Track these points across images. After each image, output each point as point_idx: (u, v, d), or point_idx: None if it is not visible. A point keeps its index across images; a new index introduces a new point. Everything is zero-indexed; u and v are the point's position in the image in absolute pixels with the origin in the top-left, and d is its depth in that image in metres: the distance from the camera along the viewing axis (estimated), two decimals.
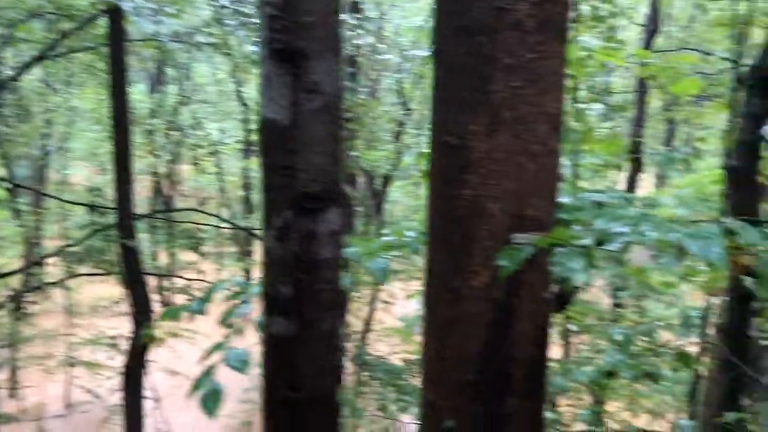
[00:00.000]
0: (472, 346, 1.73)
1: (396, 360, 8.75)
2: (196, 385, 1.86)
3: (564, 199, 1.79)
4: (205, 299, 2.21)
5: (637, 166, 3.38)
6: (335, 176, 1.43)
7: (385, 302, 10.52)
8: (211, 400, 1.79)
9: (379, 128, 10.94)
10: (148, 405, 8.65)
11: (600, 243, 1.60)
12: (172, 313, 2.42)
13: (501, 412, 1.74)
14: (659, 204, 1.47)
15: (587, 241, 1.61)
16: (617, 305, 8.86)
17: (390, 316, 11.51)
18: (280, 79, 1.34)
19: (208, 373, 1.88)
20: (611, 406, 7.68)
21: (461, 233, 1.73)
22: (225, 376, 1.88)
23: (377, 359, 8.46)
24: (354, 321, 10.28)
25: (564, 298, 1.61)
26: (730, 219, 1.35)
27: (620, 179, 10.92)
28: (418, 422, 1.97)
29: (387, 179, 12.21)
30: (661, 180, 13.38)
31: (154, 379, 10.28)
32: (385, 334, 10.85)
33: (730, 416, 3.00)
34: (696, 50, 8.02)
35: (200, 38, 7.80)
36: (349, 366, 9.53)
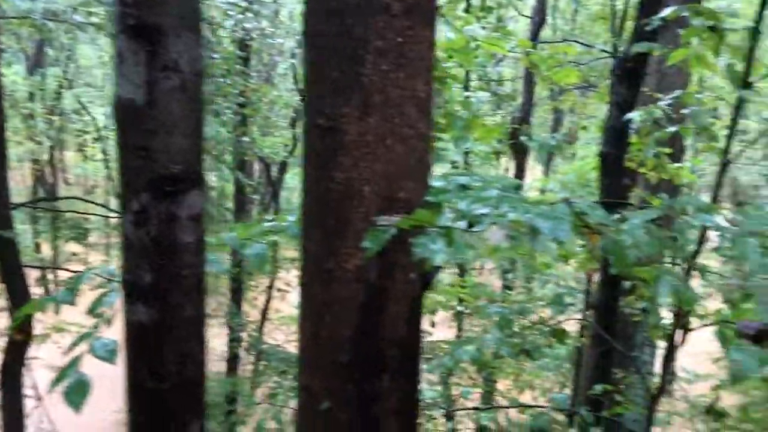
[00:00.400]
0: (345, 327, 1.74)
1: (292, 348, 8.71)
2: (60, 377, 1.78)
3: (436, 182, 1.82)
4: (72, 289, 2.10)
5: (519, 153, 3.51)
6: (195, 158, 1.40)
7: (281, 290, 10.44)
8: (75, 392, 1.71)
9: (274, 114, 10.79)
10: (29, 403, 8.18)
11: (471, 225, 1.65)
12: (39, 304, 2.30)
13: (374, 392, 1.76)
14: (519, 186, 1.53)
15: (461, 224, 1.65)
16: (507, 287, 9.19)
17: (286, 304, 11.43)
18: (134, 57, 1.29)
19: (72, 364, 1.80)
20: (502, 385, 7.99)
21: (335, 216, 1.73)
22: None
23: (273, 347, 8.39)
24: (250, 310, 10.14)
25: (426, 279, 1.65)
26: (579, 199, 1.42)
27: (511, 166, 11.32)
28: (296, 407, 1.96)
29: (283, 166, 12.07)
30: (548, 167, 13.99)
31: (36, 377, 9.73)
32: (282, 323, 10.76)
33: (597, 388, 3.19)
34: (578, 42, 8.39)
35: (80, 18, 7.38)
36: (244, 355, 9.40)
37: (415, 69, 1.70)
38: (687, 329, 2.59)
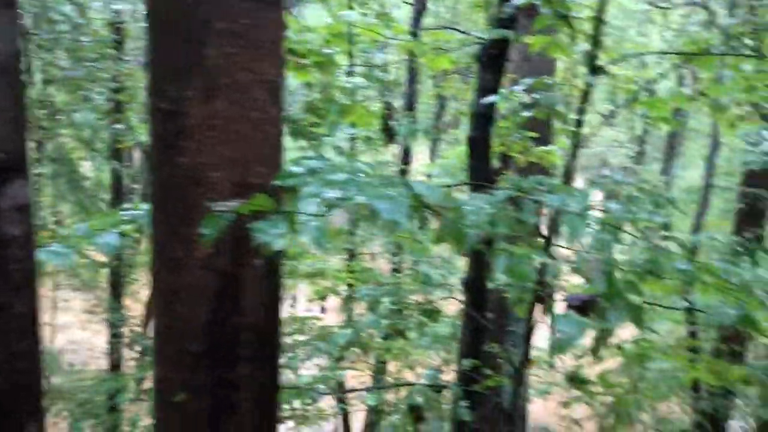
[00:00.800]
0: (198, 316, 1.71)
1: None
2: None
3: (294, 167, 1.81)
4: None
5: (390, 138, 3.58)
6: (18, 145, 1.31)
7: None
8: None
9: None
10: None
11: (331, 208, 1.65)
12: None
13: (231, 380, 1.74)
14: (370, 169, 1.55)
15: (315, 208, 1.65)
16: (395, 270, 9.32)
17: None
18: None
19: None
20: (394, 366, 8.12)
21: (182, 203, 1.69)
22: None
23: None
24: (132, 304, 9.76)
25: (273, 263, 1.64)
26: (419, 181, 1.46)
27: (396, 152, 11.43)
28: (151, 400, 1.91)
29: None
30: (434, 152, 14.26)
31: None
32: None
33: (465, 363, 3.31)
34: (456, 29, 8.58)
35: None
36: (128, 350, 9.04)
37: (263, 52, 1.69)
38: (544, 303, 2.73)
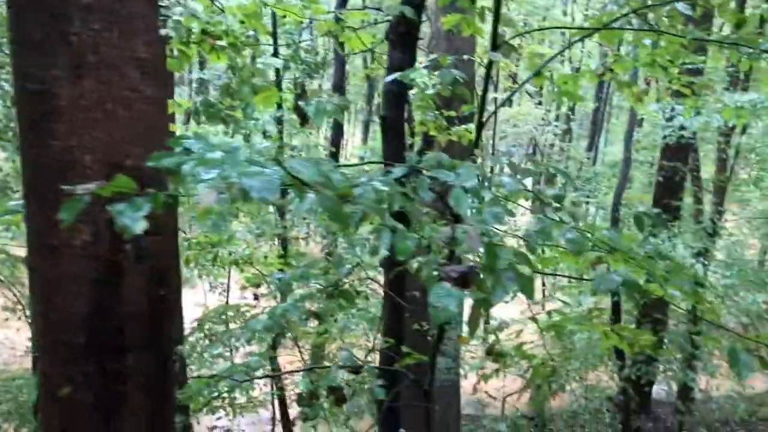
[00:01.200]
0: (78, 307, 1.64)
1: None
2: None
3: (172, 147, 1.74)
4: None
5: (302, 119, 3.52)
6: None
7: None
8: None
9: None
10: None
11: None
12: None
13: (118, 371, 1.68)
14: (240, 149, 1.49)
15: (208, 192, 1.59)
16: (328, 254, 9.29)
17: None
18: None
19: None
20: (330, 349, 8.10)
21: (55, 188, 1.60)
22: None
23: None
24: None
25: (139, 248, 1.58)
26: (299, 159, 1.42)
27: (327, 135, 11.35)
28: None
29: None
30: (367, 134, 14.24)
31: None
32: None
33: (383, 342, 3.30)
34: (379, 9, 8.54)
35: None
36: None
37: (132, 28, 1.61)
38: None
